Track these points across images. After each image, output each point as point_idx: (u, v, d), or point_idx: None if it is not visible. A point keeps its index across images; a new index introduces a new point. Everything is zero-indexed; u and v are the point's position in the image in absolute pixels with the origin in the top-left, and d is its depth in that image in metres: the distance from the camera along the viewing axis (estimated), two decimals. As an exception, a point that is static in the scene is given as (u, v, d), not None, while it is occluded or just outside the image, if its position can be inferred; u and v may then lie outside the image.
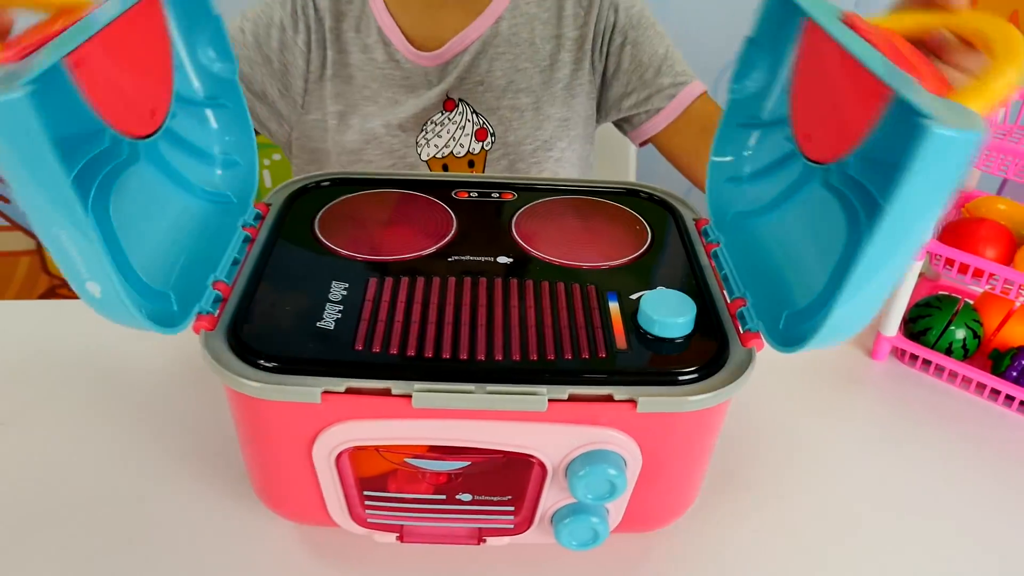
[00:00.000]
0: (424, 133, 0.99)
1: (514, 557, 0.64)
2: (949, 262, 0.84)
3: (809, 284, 0.57)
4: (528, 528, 0.60)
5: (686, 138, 1.04)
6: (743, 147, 0.71)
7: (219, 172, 0.70)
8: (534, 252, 0.67)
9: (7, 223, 1.58)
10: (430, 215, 0.72)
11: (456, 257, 0.66)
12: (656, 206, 0.77)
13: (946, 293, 0.94)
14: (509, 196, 0.76)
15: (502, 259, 0.66)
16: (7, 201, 1.52)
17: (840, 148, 0.53)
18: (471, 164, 1.03)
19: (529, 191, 0.77)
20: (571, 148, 1.08)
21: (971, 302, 0.92)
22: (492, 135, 1.01)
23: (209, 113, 0.69)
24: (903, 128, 0.40)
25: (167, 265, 0.59)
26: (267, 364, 0.53)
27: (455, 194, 0.75)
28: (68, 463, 0.71)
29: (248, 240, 0.67)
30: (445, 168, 1.03)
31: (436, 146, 1.00)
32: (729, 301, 0.64)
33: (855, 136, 0.49)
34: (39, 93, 0.38)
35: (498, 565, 0.64)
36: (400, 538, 0.61)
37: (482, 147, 1.01)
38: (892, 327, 0.89)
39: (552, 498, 0.58)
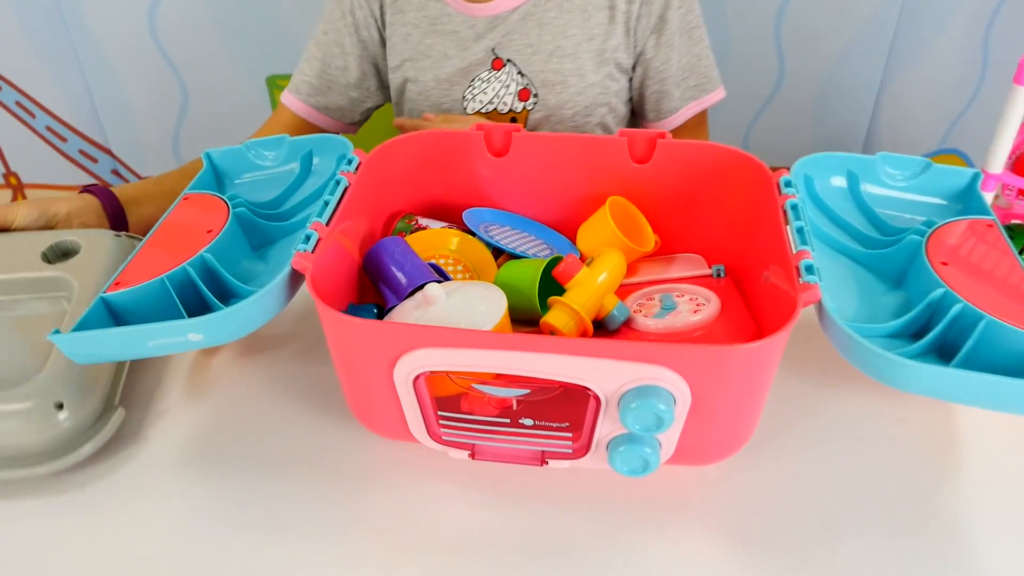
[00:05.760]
0: (471, 88, 1.05)
1: (574, 479, 0.70)
2: (1021, 192, 0.82)
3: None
4: (586, 454, 0.66)
5: None
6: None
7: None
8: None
9: (96, 183, 1.69)
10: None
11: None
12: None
13: (1018, 222, 0.93)
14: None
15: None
16: (95, 161, 1.65)
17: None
18: (513, 121, 1.08)
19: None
20: (612, 115, 1.11)
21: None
22: (535, 96, 1.05)
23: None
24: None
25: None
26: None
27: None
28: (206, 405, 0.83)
29: (342, 184, 0.74)
30: None
31: (481, 102, 1.05)
32: (793, 252, 0.66)
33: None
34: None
35: (559, 485, 0.70)
36: (472, 455, 0.68)
37: (524, 107, 1.06)
38: (998, 164, 0.90)
39: (607, 427, 0.63)
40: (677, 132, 1.13)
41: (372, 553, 0.66)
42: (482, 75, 1.05)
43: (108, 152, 1.67)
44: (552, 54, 1.03)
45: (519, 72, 1.04)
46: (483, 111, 1.06)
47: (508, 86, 1.05)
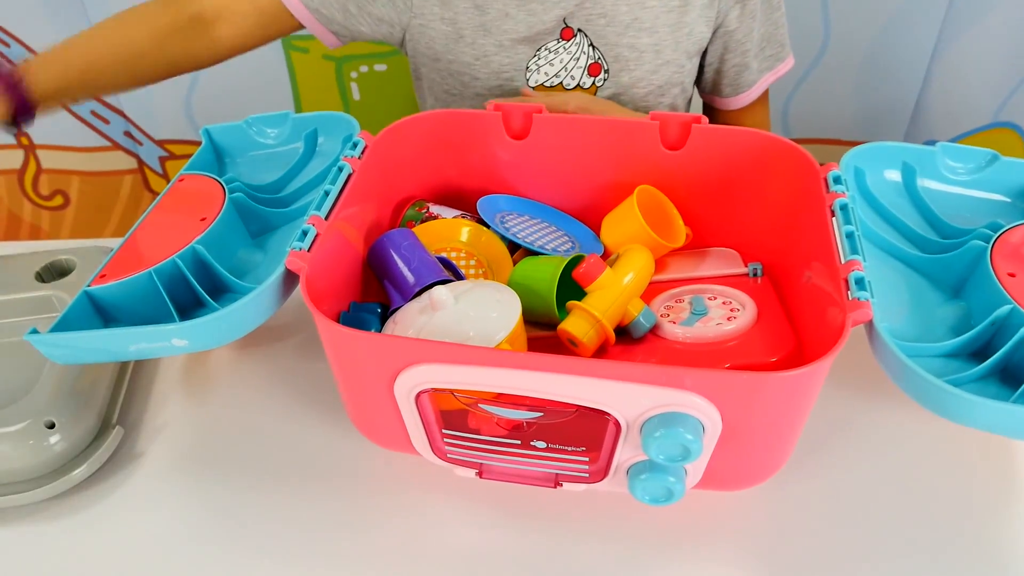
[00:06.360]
0: (536, 59, 0.94)
1: (590, 502, 0.64)
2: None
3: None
4: (604, 478, 0.60)
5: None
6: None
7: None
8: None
9: (108, 143, 1.66)
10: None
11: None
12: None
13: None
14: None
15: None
16: (107, 122, 1.60)
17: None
18: None
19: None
20: (683, 96, 1.01)
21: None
22: (606, 72, 0.95)
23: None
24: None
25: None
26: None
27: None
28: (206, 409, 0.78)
29: (345, 170, 0.68)
30: None
31: (547, 74, 0.94)
32: (842, 262, 0.59)
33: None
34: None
35: (574, 510, 0.64)
36: (479, 474, 0.63)
37: (593, 83, 0.95)
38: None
39: (628, 452, 0.58)
40: (749, 107, 1.04)
41: (372, 573, 0.62)
42: (550, 45, 0.94)
43: (120, 113, 1.62)
44: (628, 26, 0.92)
45: (590, 44, 0.94)
46: (547, 85, 0.96)
47: (578, 59, 0.94)
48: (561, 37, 0.93)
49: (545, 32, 0.92)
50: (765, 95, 1.04)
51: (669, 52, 0.94)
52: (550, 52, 0.93)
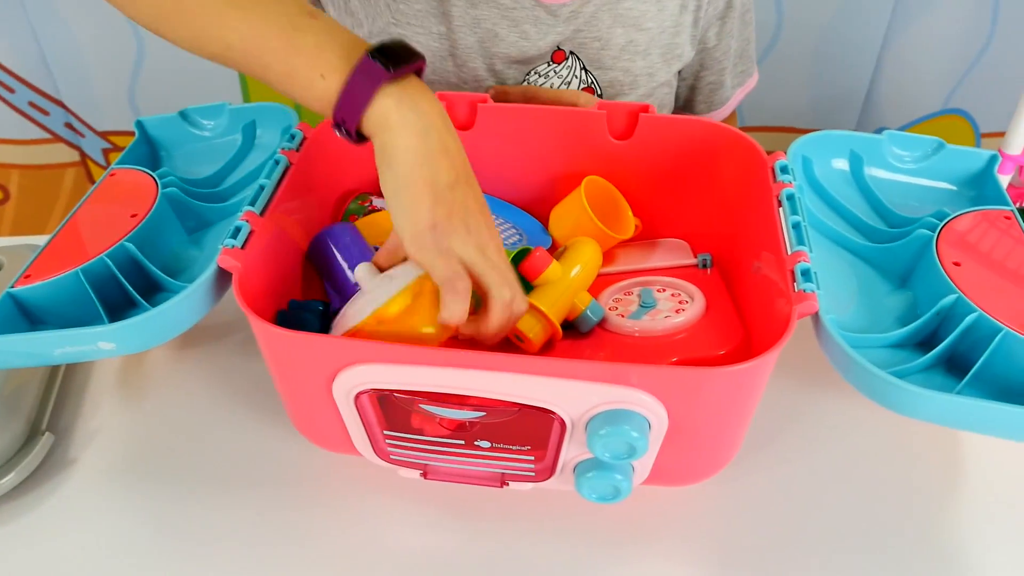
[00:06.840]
0: (525, 83, 0.89)
1: (538, 500, 0.63)
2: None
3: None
4: (550, 476, 0.59)
5: None
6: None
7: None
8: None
9: (49, 135, 1.60)
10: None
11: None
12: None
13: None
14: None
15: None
16: (47, 113, 1.55)
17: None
18: None
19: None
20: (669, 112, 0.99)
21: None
22: (599, 96, 0.90)
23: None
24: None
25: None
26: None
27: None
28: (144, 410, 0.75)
29: (281, 164, 0.66)
30: None
31: None
32: (788, 253, 0.58)
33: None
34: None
35: (521, 509, 0.63)
36: (424, 475, 0.61)
37: None
38: (1016, 145, 0.87)
39: (574, 450, 0.56)
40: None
41: (314, 579, 0.60)
42: (539, 68, 0.88)
43: (60, 104, 1.56)
44: (624, 49, 0.88)
45: (583, 68, 0.89)
46: None
47: (569, 83, 0.89)
48: (552, 60, 0.88)
49: (536, 57, 0.88)
50: (734, 111, 1.03)
51: (661, 75, 0.91)
52: (539, 76, 0.89)
